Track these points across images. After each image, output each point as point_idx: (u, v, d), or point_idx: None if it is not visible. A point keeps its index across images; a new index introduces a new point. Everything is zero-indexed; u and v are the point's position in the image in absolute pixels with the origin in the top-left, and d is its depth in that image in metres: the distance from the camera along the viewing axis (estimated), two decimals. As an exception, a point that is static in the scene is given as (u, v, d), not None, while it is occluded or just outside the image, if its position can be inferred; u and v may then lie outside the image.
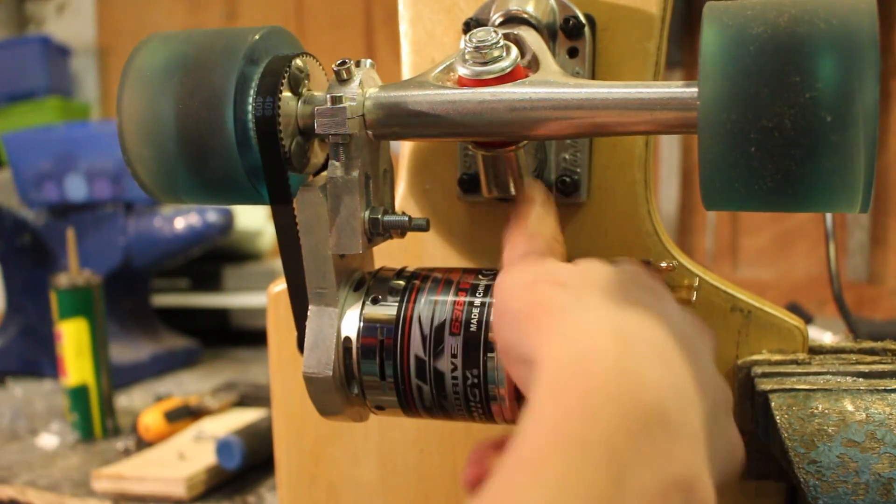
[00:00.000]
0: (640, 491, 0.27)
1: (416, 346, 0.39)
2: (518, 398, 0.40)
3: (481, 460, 0.38)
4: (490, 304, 0.39)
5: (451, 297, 0.40)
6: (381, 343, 0.40)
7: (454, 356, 0.39)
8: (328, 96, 0.38)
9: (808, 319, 0.84)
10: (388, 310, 0.40)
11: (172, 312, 1.41)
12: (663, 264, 0.43)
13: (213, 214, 1.23)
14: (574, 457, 0.27)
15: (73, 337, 0.94)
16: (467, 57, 0.39)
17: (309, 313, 0.41)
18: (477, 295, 0.40)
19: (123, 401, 1.11)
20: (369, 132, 0.40)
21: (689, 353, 0.33)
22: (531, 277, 0.35)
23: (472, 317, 0.39)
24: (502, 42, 0.39)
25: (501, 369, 0.38)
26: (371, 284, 0.42)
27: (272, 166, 0.39)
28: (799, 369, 0.45)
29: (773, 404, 0.43)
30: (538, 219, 0.41)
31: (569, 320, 0.32)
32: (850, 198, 0.33)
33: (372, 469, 0.53)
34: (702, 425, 0.31)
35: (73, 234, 1.00)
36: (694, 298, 0.42)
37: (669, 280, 0.43)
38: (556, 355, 0.31)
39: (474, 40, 0.39)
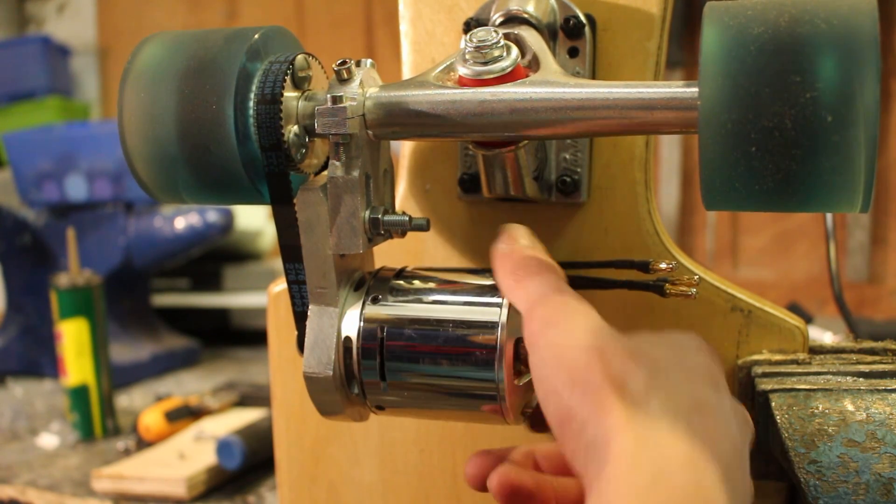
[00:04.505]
0: None
1: (417, 346, 0.39)
2: (517, 398, 0.40)
3: (483, 465, 0.39)
4: (490, 305, 0.39)
5: (451, 297, 0.40)
6: (381, 343, 0.40)
7: (455, 356, 0.39)
8: (329, 96, 0.38)
9: (809, 319, 0.84)
10: (388, 309, 0.40)
11: (172, 312, 1.41)
12: (663, 265, 0.43)
13: (213, 214, 1.23)
14: None
15: (73, 337, 0.94)
16: (468, 57, 0.39)
17: (309, 313, 0.41)
18: (478, 295, 0.40)
19: (124, 401, 1.11)
20: (370, 132, 0.40)
21: (740, 463, 0.33)
22: (593, 341, 0.33)
23: (473, 317, 0.39)
24: (503, 42, 0.39)
25: (502, 370, 0.38)
26: (371, 284, 0.42)
27: (273, 166, 0.39)
28: (799, 369, 0.45)
29: (773, 404, 0.43)
30: (531, 241, 0.40)
31: (645, 414, 0.31)
32: (850, 198, 0.33)
33: (372, 469, 0.53)
34: None
35: (73, 234, 1.00)
36: (694, 293, 0.42)
37: (670, 276, 0.43)
38: (635, 460, 0.30)
39: (475, 40, 0.39)
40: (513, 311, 0.39)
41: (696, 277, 0.43)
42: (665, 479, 0.29)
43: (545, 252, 0.40)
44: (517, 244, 0.40)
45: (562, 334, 0.34)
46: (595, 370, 0.32)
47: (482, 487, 0.40)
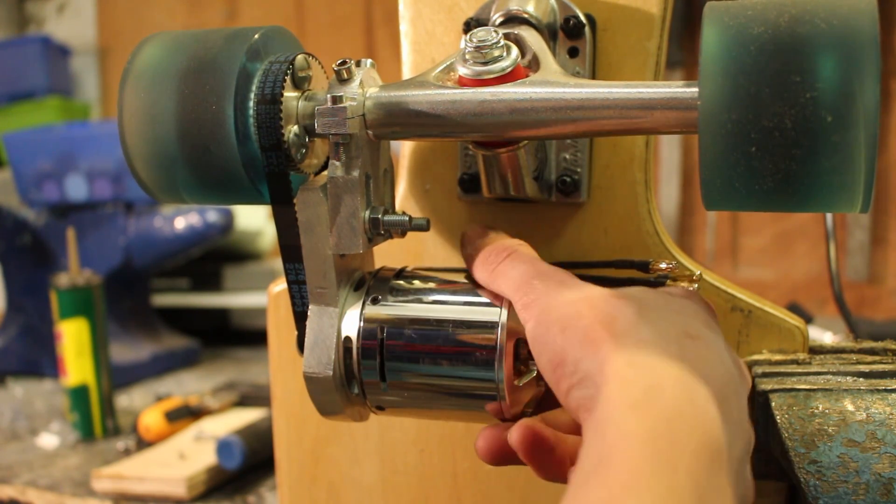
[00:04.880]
0: None
1: (417, 346, 0.39)
2: (518, 398, 0.40)
3: (494, 436, 0.39)
4: (490, 304, 0.39)
5: (451, 297, 0.40)
6: (381, 343, 0.40)
7: (455, 356, 0.39)
8: (329, 96, 0.38)
9: (809, 319, 0.84)
10: (388, 310, 0.40)
11: (172, 312, 1.41)
12: (663, 265, 0.43)
13: (213, 214, 1.23)
14: (669, 481, 0.28)
15: (73, 337, 0.94)
16: (468, 57, 0.39)
17: (309, 313, 0.41)
18: (478, 295, 0.40)
19: (124, 401, 1.11)
20: (370, 132, 0.40)
21: (734, 397, 0.33)
22: (582, 293, 0.35)
23: (473, 317, 0.39)
24: (503, 42, 0.39)
25: (502, 370, 0.38)
26: (371, 284, 0.42)
27: (273, 166, 0.39)
28: (799, 369, 0.45)
29: (773, 404, 0.43)
30: (488, 232, 0.43)
31: (634, 344, 0.32)
32: (850, 198, 0.33)
33: (372, 469, 0.53)
34: (740, 467, 0.32)
35: (73, 234, 1.00)
36: (696, 289, 0.42)
37: (671, 273, 0.43)
38: (627, 376, 0.31)
39: (475, 40, 0.39)
40: (513, 311, 0.39)
41: (696, 273, 0.43)
42: (656, 392, 0.30)
43: (504, 235, 0.43)
44: (477, 241, 0.42)
45: (551, 299, 0.36)
46: (584, 314, 0.34)
47: (494, 459, 0.40)
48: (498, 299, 0.39)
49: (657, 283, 0.43)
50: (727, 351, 0.35)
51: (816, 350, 0.47)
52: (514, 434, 0.37)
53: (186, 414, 0.92)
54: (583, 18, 0.46)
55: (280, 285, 0.54)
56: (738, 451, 0.32)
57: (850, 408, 0.42)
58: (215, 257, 1.43)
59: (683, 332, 0.34)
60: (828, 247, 0.72)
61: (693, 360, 0.32)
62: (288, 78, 0.39)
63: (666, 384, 0.30)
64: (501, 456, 0.39)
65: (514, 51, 0.40)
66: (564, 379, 0.33)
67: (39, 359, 1.23)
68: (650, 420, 0.29)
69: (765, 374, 0.45)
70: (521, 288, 0.37)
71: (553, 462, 0.38)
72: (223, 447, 0.78)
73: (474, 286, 0.41)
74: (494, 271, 0.39)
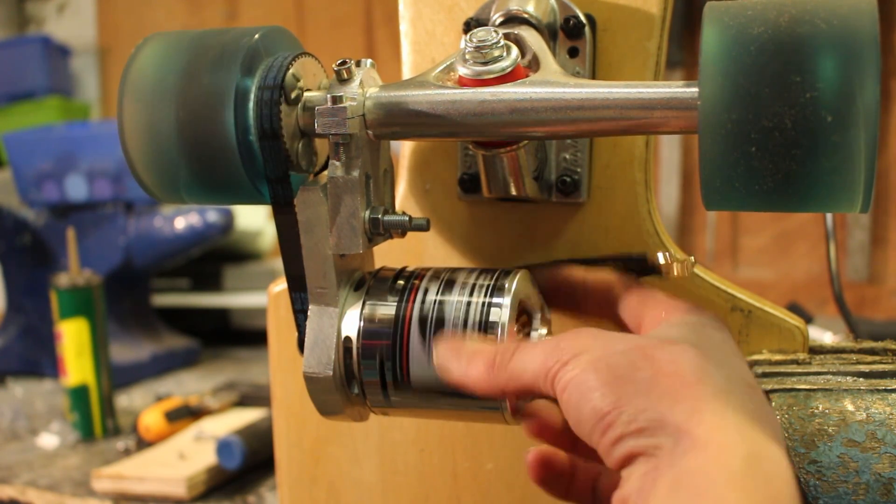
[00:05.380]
0: None
1: (417, 346, 0.39)
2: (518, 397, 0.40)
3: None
4: (490, 304, 0.39)
5: (451, 297, 0.40)
6: (381, 343, 0.40)
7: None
8: (328, 96, 0.38)
9: (809, 319, 0.84)
10: (388, 310, 0.40)
11: (172, 312, 1.41)
12: (660, 258, 0.43)
13: (213, 214, 1.23)
14: None
15: (73, 337, 0.94)
16: (468, 57, 0.39)
17: (309, 313, 0.41)
18: (478, 295, 0.40)
19: (124, 401, 1.11)
20: (370, 132, 0.40)
21: (779, 433, 0.32)
22: (633, 342, 0.33)
23: (473, 317, 0.39)
24: (503, 42, 0.39)
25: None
26: (371, 284, 0.42)
27: (275, 169, 0.39)
28: (799, 369, 0.45)
29: (773, 404, 0.43)
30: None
31: (714, 398, 0.30)
32: (850, 198, 0.33)
33: (372, 469, 0.53)
34: None
35: (73, 234, 1.00)
36: (692, 260, 0.43)
37: (667, 266, 0.43)
38: (723, 442, 0.29)
39: (475, 40, 0.39)
40: (513, 311, 0.39)
41: (690, 259, 0.43)
42: (756, 464, 0.28)
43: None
44: (462, 357, 0.37)
45: (593, 352, 0.33)
46: (641, 364, 0.31)
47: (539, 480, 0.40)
48: (498, 299, 0.39)
49: (653, 270, 0.43)
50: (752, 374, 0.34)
51: (816, 350, 0.47)
52: (529, 458, 0.37)
53: (186, 414, 0.92)
54: (583, 18, 0.46)
55: (280, 285, 0.54)
56: None
57: (850, 408, 0.42)
58: (215, 257, 1.43)
59: (744, 382, 0.32)
60: (828, 247, 0.72)
61: (767, 417, 0.31)
62: (283, 89, 0.39)
63: (762, 457, 0.29)
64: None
65: (514, 51, 0.40)
66: (613, 428, 0.31)
67: (39, 359, 1.23)
68: (754, 499, 0.28)
69: (765, 374, 0.45)
70: (549, 357, 0.34)
71: (573, 489, 0.38)
72: (223, 447, 0.78)
73: (477, 287, 0.40)
74: (508, 367, 0.35)
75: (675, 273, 0.43)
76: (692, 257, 0.44)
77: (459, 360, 0.37)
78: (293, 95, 0.40)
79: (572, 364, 0.33)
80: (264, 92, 0.39)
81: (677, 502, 0.28)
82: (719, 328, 0.37)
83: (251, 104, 0.39)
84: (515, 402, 0.39)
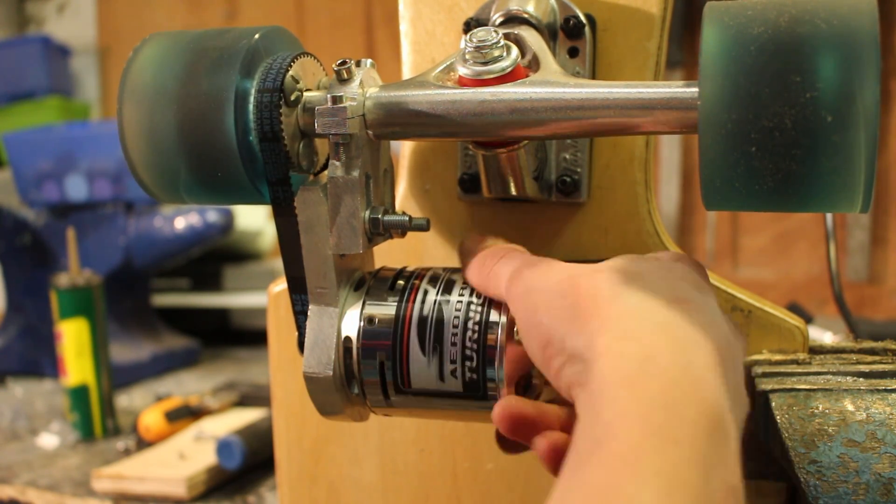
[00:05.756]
0: (717, 494, 0.27)
1: (416, 346, 0.39)
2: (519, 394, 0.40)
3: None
4: (491, 304, 0.39)
5: (451, 297, 0.40)
6: (381, 343, 0.40)
7: (454, 356, 0.39)
8: (329, 96, 0.38)
9: (809, 319, 0.84)
10: (388, 310, 0.40)
11: (172, 312, 1.41)
12: None
13: (213, 214, 1.23)
14: (670, 455, 0.27)
15: (73, 337, 0.94)
16: (468, 57, 0.39)
17: (309, 313, 0.41)
18: (478, 295, 0.40)
19: (124, 401, 1.11)
20: (370, 132, 0.40)
21: (731, 361, 0.32)
22: (567, 273, 0.35)
23: (473, 316, 0.39)
24: (503, 42, 0.39)
25: (502, 370, 0.38)
26: (371, 284, 0.42)
27: (275, 171, 0.39)
28: (799, 369, 0.45)
29: (773, 404, 0.43)
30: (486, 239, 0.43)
31: (622, 314, 0.31)
32: (850, 198, 0.33)
33: (372, 469, 0.53)
34: (738, 435, 0.31)
35: (73, 234, 1.00)
36: None
37: None
38: (618, 350, 0.30)
39: (475, 40, 0.39)
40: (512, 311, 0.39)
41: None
42: (650, 364, 0.29)
43: (501, 241, 0.42)
44: (474, 248, 0.41)
45: (536, 282, 0.36)
46: (568, 291, 0.34)
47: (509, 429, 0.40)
48: (497, 305, 0.39)
49: None
50: (720, 313, 0.34)
51: (816, 350, 0.47)
52: (495, 412, 0.37)
53: (186, 414, 0.92)
54: (583, 18, 0.46)
55: (280, 285, 0.54)
56: (739, 417, 0.31)
57: (850, 408, 0.42)
58: (215, 257, 1.43)
59: (672, 297, 0.33)
60: (828, 247, 0.72)
61: (685, 326, 0.31)
62: (283, 91, 0.39)
63: (659, 354, 0.30)
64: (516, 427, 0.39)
65: (514, 51, 0.40)
66: (553, 359, 0.33)
67: (39, 359, 1.23)
68: (647, 393, 0.28)
69: (765, 374, 0.45)
70: (511, 280, 0.37)
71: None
72: (223, 447, 0.78)
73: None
74: (489, 274, 0.39)
75: None
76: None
77: (471, 255, 0.41)
78: (293, 97, 0.40)
79: (520, 293, 0.36)
80: (264, 95, 0.39)
81: (584, 413, 0.30)
82: (674, 258, 0.38)
83: (251, 106, 0.39)
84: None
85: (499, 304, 0.39)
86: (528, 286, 0.36)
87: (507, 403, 0.37)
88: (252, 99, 0.39)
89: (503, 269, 0.38)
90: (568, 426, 0.40)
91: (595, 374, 0.30)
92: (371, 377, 0.40)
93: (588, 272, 0.35)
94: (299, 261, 0.41)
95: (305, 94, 0.41)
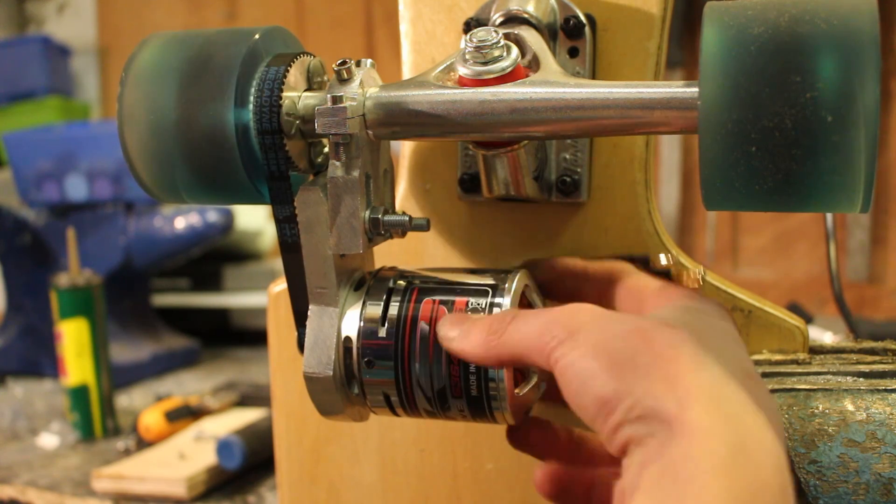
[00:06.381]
0: None
1: (417, 346, 0.39)
2: (517, 398, 0.40)
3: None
4: (493, 305, 0.39)
5: (451, 298, 0.40)
6: (381, 343, 0.40)
7: (454, 357, 0.39)
8: (328, 96, 0.38)
9: (809, 319, 0.84)
10: (388, 310, 0.40)
11: (172, 312, 1.41)
12: (662, 259, 0.43)
13: (213, 214, 1.23)
14: None
15: (73, 337, 0.94)
16: (468, 57, 0.39)
17: (309, 313, 0.41)
18: (478, 295, 0.40)
19: (124, 401, 1.11)
20: (370, 132, 0.40)
21: (777, 424, 0.32)
22: (633, 324, 0.32)
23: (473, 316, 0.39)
24: (503, 42, 0.39)
25: (502, 370, 0.38)
26: (371, 284, 0.42)
27: (275, 169, 0.39)
28: (799, 369, 0.45)
29: (773, 404, 0.43)
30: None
31: (712, 386, 0.30)
32: (850, 198, 0.33)
33: (372, 469, 0.53)
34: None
35: (73, 234, 1.00)
36: (700, 286, 0.43)
37: (674, 271, 0.43)
38: (713, 431, 0.29)
39: (475, 40, 0.39)
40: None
41: (699, 271, 0.43)
42: (743, 455, 0.28)
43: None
44: (463, 326, 0.37)
45: (592, 334, 0.32)
46: (640, 348, 0.31)
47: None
48: (498, 299, 0.39)
49: (655, 273, 0.43)
50: (751, 361, 0.34)
51: (816, 350, 0.47)
52: (537, 477, 0.37)
53: (186, 414, 0.92)
54: (583, 18, 0.46)
55: (280, 285, 0.54)
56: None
57: (850, 408, 0.42)
58: (215, 257, 1.43)
59: (742, 370, 0.32)
60: (828, 247, 0.72)
61: (765, 406, 0.30)
62: (296, 77, 0.39)
63: (750, 445, 0.29)
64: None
65: (514, 51, 0.40)
66: (614, 416, 0.31)
67: (39, 359, 1.23)
68: (737, 490, 0.27)
69: (765, 374, 0.45)
70: (545, 332, 0.34)
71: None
72: (223, 447, 0.78)
73: (477, 287, 0.40)
74: (504, 334, 0.35)
75: (683, 283, 0.43)
76: (701, 268, 0.44)
77: (460, 328, 0.37)
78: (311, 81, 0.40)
79: (569, 344, 0.33)
80: (263, 94, 0.39)
81: (663, 491, 0.28)
82: (722, 316, 0.37)
83: (251, 105, 0.39)
84: (516, 400, 0.39)
85: (499, 303, 0.39)
86: (581, 339, 0.33)
87: (549, 470, 0.38)
88: (252, 98, 0.39)
89: (525, 325, 0.35)
90: (574, 456, 0.41)
91: (681, 449, 0.29)
92: (371, 377, 0.40)
93: (657, 327, 0.32)
94: (306, 296, 0.41)
95: (305, 94, 0.41)
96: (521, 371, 0.40)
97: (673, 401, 0.30)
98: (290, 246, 0.41)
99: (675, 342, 0.32)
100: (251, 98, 0.39)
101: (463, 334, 0.37)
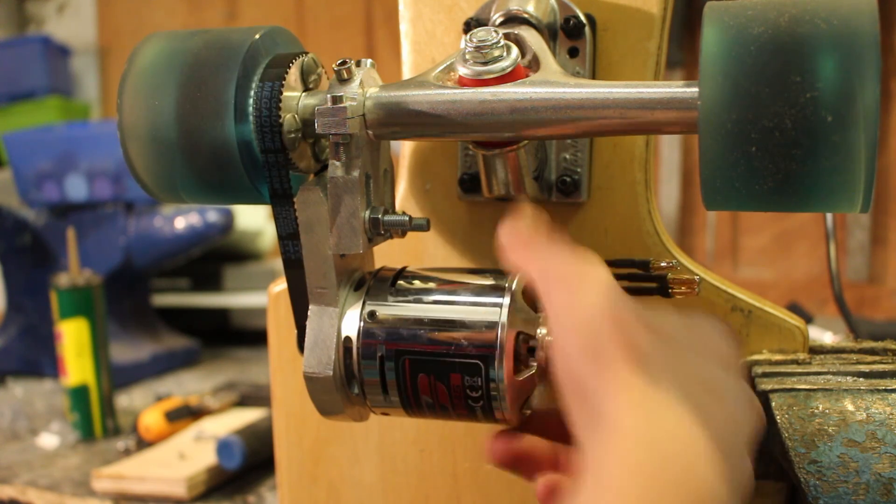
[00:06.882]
0: None
1: (417, 346, 0.39)
2: (517, 397, 0.40)
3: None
4: (490, 305, 0.39)
5: (451, 297, 0.40)
6: (381, 343, 0.40)
7: (455, 356, 0.39)
8: (328, 96, 0.38)
9: (809, 319, 0.84)
10: (388, 310, 0.40)
11: (172, 312, 1.41)
12: (663, 264, 0.43)
13: (213, 214, 1.23)
14: None
15: (73, 337, 0.94)
16: (468, 57, 0.39)
17: (309, 313, 0.41)
18: (478, 295, 0.40)
19: (124, 401, 1.11)
20: (370, 132, 0.40)
21: (742, 448, 0.33)
22: (612, 307, 0.33)
23: (473, 316, 0.39)
24: (503, 42, 0.39)
25: (502, 370, 0.38)
26: (371, 284, 0.42)
27: (278, 187, 0.40)
28: (799, 369, 0.45)
29: (773, 404, 0.43)
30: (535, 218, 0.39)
31: (654, 392, 0.31)
32: (850, 198, 0.33)
33: (372, 469, 0.53)
34: None
35: (73, 234, 1.00)
36: (697, 290, 0.43)
37: (671, 276, 0.43)
38: (633, 427, 0.30)
39: (475, 40, 0.39)
40: (512, 311, 0.39)
41: (696, 278, 0.43)
42: (660, 465, 0.29)
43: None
44: (522, 222, 0.38)
45: (578, 296, 0.33)
46: (608, 338, 0.32)
47: (504, 464, 0.40)
48: (498, 299, 0.39)
49: (660, 281, 0.43)
50: (742, 394, 0.34)
51: (816, 350, 0.47)
52: (490, 446, 0.37)
53: (186, 414, 0.92)
54: (583, 18, 0.46)
55: (280, 285, 0.54)
56: (739, 488, 0.31)
57: (851, 408, 0.42)
58: (215, 257, 1.43)
59: (702, 383, 0.32)
60: (828, 247, 0.72)
61: (706, 419, 0.31)
62: (297, 75, 0.39)
63: (673, 451, 0.29)
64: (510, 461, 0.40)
65: (514, 51, 0.40)
66: (576, 405, 0.32)
67: (39, 359, 1.23)
68: (642, 482, 0.28)
69: (765, 374, 0.45)
70: (549, 271, 0.35)
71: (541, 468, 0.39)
72: (223, 447, 0.78)
73: (477, 287, 0.40)
74: (530, 254, 0.36)
75: (682, 295, 0.43)
76: (698, 277, 0.44)
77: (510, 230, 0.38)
78: (307, 81, 0.41)
79: (558, 301, 0.33)
80: (262, 113, 0.39)
81: (587, 476, 0.30)
82: (713, 330, 0.37)
83: (251, 105, 0.39)
84: (515, 400, 0.39)
85: (499, 304, 0.39)
86: (568, 300, 0.33)
87: (499, 442, 0.38)
88: (252, 97, 0.39)
89: (547, 253, 0.36)
90: (562, 462, 0.40)
91: (607, 449, 0.30)
92: (371, 377, 0.40)
93: (632, 321, 0.33)
94: (304, 289, 0.41)
95: (304, 94, 0.41)
96: (521, 362, 0.40)
97: (614, 403, 0.30)
98: (293, 262, 0.41)
99: (640, 344, 0.32)
100: (250, 117, 0.39)
101: (508, 241, 0.37)
